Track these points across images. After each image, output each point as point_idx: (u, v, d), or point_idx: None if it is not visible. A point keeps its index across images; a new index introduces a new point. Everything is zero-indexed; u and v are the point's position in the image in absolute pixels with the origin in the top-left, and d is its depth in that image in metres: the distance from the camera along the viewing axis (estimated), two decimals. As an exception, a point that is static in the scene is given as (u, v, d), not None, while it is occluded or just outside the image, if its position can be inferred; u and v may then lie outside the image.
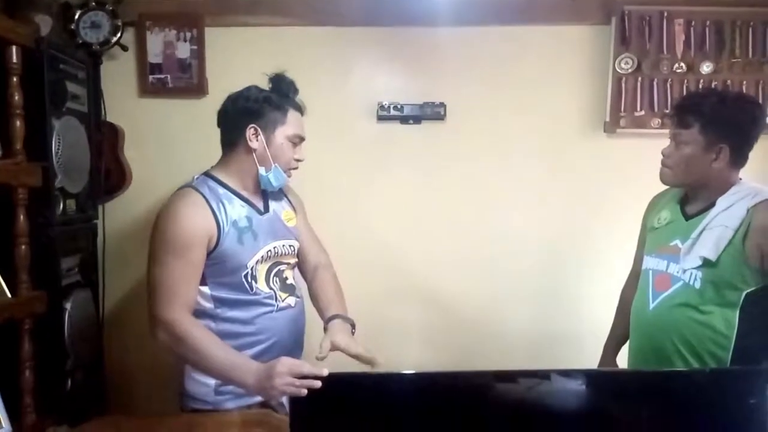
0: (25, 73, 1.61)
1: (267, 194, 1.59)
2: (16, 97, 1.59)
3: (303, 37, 2.15)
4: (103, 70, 2.10)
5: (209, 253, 1.43)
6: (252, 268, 1.48)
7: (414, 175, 2.21)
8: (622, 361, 1.76)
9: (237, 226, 1.47)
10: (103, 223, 2.10)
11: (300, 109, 1.55)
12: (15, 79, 1.59)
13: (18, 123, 1.59)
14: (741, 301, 1.45)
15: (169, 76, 2.14)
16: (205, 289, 1.46)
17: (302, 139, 1.55)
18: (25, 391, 1.62)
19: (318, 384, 1.17)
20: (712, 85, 2.11)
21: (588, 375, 1.24)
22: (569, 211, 2.22)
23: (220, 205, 1.46)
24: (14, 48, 1.58)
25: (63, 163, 1.76)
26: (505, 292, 2.23)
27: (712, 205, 1.50)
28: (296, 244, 1.62)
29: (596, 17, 2.16)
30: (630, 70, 2.13)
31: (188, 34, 2.13)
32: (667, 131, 1.60)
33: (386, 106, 2.16)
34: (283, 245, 1.57)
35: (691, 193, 1.58)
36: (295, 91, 1.54)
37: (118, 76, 2.13)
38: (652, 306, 1.56)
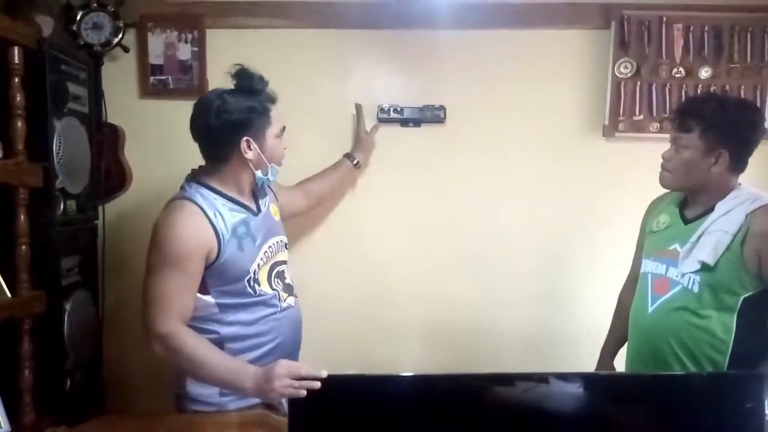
0: (27, 73, 1.62)
1: (256, 193, 1.59)
2: (18, 98, 1.60)
3: (303, 39, 2.15)
4: (105, 71, 2.10)
5: (210, 264, 1.42)
6: (254, 272, 1.49)
7: (413, 177, 2.22)
8: (620, 364, 1.77)
9: (236, 234, 1.47)
10: (104, 223, 2.10)
11: (274, 100, 1.51)
12: (17, 79, 1.59)
13: (19, 123, 1.60)
14: (739, 305, 1.46)
15: (170, 77, 2.15)
16: (209, 298, 1.46)
17: (284, 128, 1.55)
18: (24, 391, 1.62)
19: (317, 385, 1.17)
20: (711, 90, 2.12)
21: (586, 378, 1.25)
22: (568, 214, 2.23)
23: (217, 214, 1.45)
24: (16, 49, 1.59)
25: (64, 163, 1.76)
26: (503, 294, 2.24)
27: (711, 209, 1.51)
28: (284, 238, 1.64)
29: (595, 21, 2.17)
30: (629, 75, 2.14)
31: (189, 36, 2.13)
32: (665, 135, 1.61)
33: (386, 109, 2.17)
34: (277, 242, 1.59)
35: (690, 198, 1.59)
36: (265, 83, 1.49)
37: (119, 77, 2.14)
38: (650, 310, 1.56)
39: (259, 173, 1.50)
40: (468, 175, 2.22)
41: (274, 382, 1.22)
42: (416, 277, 2.22)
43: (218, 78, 2.11)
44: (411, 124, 2.19)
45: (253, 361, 1.43)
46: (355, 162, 2.05)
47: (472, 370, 1.27)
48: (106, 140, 2.08)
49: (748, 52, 2.13)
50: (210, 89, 2.11)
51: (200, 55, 2.14)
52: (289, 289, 1.59)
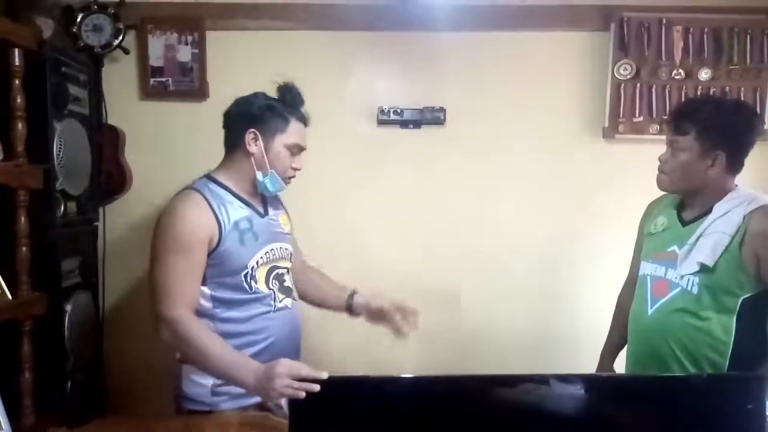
0: (28, 75, 1.62)
1: (266, 198, 1.61)
2: (18, 100, 1.60)
3: (303, 41, 2.16)
4: (105, 72, 2.11)
5: (210, 253, 1.45)
6: (252, 269, 1.50)
7: (414, 178, 2.22)
8: (620, 367, 1.77)
9: (238, 227, 1.49)
10: (104, 225, 2.11)
11: (304, 120, 1.56)
12: (17, 81, 1.60)
13: (20, 125, 1.60)
14: (738, 307, 1.46)
15: (170, 79, 2.15)
16: (205, 289, 1.47)
17: (302, 149, 1.56)
18: (25, 393, 1.62)
19: (316, 387, 1.17)
20: (710, 92, 2.12)
21: (586, 380, 1.25)
22: (568, 215, 2.23)
23: (221, 206, 1.48)
24: (16, 51, 1.59)
25: (64, 165, 1.77)
26: (503, 295, 2.24)
27: (709, 211, 1.51)
28: (291, 248, 1.65)
29: (595, 24, 2.17)
30: (629, 77, 2.14)
31: (189, 38, 2.14)
32: (665, 137, 1.61)
33: (386, 111, 2.17)
34: (281, 248, 1.59)
35: (687, 200, 1.59)
36: (301, 102, 1.56)
37: (119, 79, 2.14)
38: (650, 312, 1.57)
39: (259, 175, 1.51)
40: (468, 176, 2.22)
41: (275, 380, 1.22)
42: (416, 278, 2.22)
43: (218, 80, 2.14)
44: (411, 126, 2.19)
45: None
46: (352, 308, 1.71)
47: (471, 371, 1.28)
48: (106, 142, 2.08)
49: (747, 53, 2.13)
50: (210, 91, 2.15)
51: (200, 57, 2.14)
52: (286, 291, 1.59)
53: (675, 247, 1.55)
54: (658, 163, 1.57)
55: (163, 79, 2.15)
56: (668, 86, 2.15)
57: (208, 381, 1.47)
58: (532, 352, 2.19)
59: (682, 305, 1.51)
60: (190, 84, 2.15)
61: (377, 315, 1.66)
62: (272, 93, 1.55)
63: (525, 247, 2.24)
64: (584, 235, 2.23)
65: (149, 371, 2.11)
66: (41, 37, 1.77)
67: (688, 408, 1.21)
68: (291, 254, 1.64)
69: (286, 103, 1.53)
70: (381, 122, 2.19)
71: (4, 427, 1.45)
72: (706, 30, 2.13)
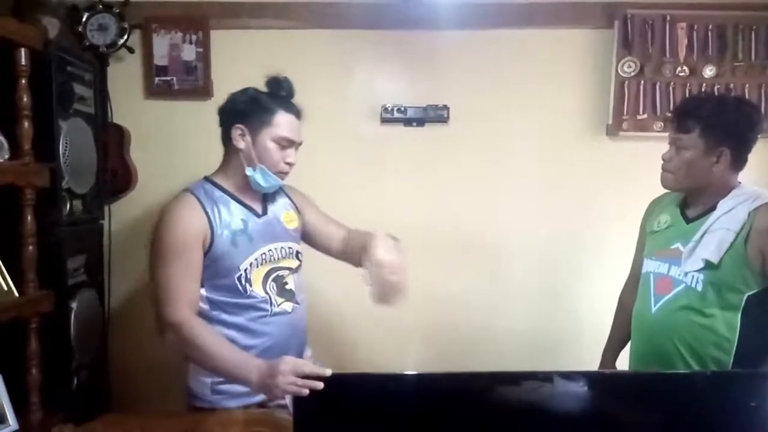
0: (33, 75, 1.63)
1: (266, 197, 1.59)
2: (25, 99, 1.61)
3: (307, 40, 2.17)
4: (110, 72, 2.12)
5: (205, 255, 1.45)
6: (246, 271, 1.49)
7: (417, 176, 2.23)
8: (623, 365, 1.77)
9: (231, 229, 1.48)
10: (109, 223, 2.12)
11: (294, 112, 1.52)
12: (23, 81, 1.61)
13: (26, 124, 1.61)
14: (743, 304, 1.46)
15: (174, 78, 2.16)
16: (202, 291, 1.47)
17: (291, 142, 1.52)
18: (31, 389, 1.64)
19: (320, 385, 1.18)
20: (715, 89, 2.11)
21: (590, 377, 1.25)
22: (571, 213, 2.23)
23: (215, 208, 1.47)
24: (23, 50, 1.60)
25: (70, 164, 1.78)
26: (506, 293, 2.25)
27: (713, 208, 1.51)
28: (295, 246, 1.61)
29: (599, 21, 2.17)
30: (633, 74, 2.14)
31: (194, 37, 2.15)
32: (668, 135, 1.60)
33: (390, 109, 2.18)
34: (281, 248, 1.57)
35: (690, 197, 1.59)
36: (290, 93, 1.53)
37: (124, 78, 2.16)
38: (653, 309, 1.56)
39: (248, 170, 1.50)
40: (471, 174, 2.22)
41: (278, 378, 1.22)
42: (418, 276, 2.21)
43: (223, 78, 2.15)
44: (414, 124, 2.20)
45: None
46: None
47: (473, 369, 1.28)
48: (111, 141, 2.09)
49: (752, 50, 2.13)
50: (214, 90, 2.15)
51: (205, 56, 2.15)
52: (286, 294, 1.57)
53: (679, 245, 1.55)
54: (661, 161, 1.57)
55: (168, 78, 2.16)
56: (672, 83, 2.14)
57: (208, 378, 1.48)
58: (534, 352, 2.20)
59: (686, 302, 1.50)
60: (194, 83, 2.16)
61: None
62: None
63: (528, 243, 2.24)
64: (587, 232, 2.23)
65: (154, 368, 2.13)
66: (47, 36, 1.78)
67: (691, 405, 1.22)
68: (297, 252, 1.62)
69: (274, 95, 1.51)
70: (384, 120, 2.19)
71: (12, 423, 1.47)
72: (710, 27, 2.12)
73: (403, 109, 2.18)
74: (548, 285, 2.24)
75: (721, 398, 1.22)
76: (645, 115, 2.15)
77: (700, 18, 2.13)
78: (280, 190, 1.63)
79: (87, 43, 2.05)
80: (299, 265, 1.63)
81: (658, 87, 2.15)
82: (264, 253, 1.53)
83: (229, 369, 1.36)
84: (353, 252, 1.59)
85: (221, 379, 1.46)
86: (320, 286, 2.03)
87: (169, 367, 2.18)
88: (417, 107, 2.18)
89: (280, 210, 1.61)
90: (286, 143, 1.51)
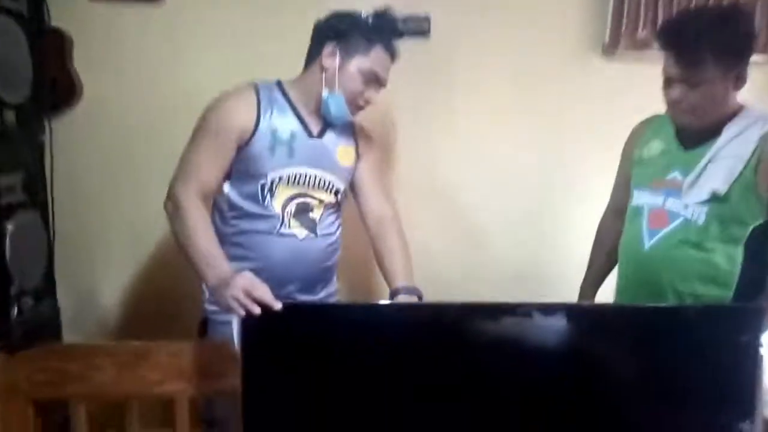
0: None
1: (328, 125, 1.49)
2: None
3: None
4: (45, -35, 1.86)
5: (240, 149, 1.41)
6: (273, 183, 1.43)
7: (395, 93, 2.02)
8: (603, 298, 1.67)
9: (275, 134, 1.42)
10: (51, 139, 1.91)
11: (391, 53, 1.47)
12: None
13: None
14: (747, 236, 1.34)
15: (122, -24, 1.91)
16: (227, 189, 1.45)
17: (378, 80, 1.46)
18: (-38, 318, 1.50)
19: (257, 310, 1.08)
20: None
21: (573, 309, 1.14)
22: (561, 139, 2.07)
23: (270, 108, 1.43)
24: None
25: (-3, 68, 1.56)
26: (490, 227, 2.10)
27: (715, 133, 1.36)
28: (337, 183, 1.51)
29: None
30: (633, -15, 1.93)
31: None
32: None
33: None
34: (320, 177, 1.48)
35: None
36: (393, 31, 1.47)
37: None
38: (648, 245, 1.43)
39: (325, 91, 1.43)
40: (452, 94, 2.04)
41: (229, 289, 1.13)
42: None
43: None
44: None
45: None
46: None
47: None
48: (50, 46, 1.86)
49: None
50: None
51: (155, -49, 1.89)
52: (305, 221, 1.48)
53: (677, 174, 1.41)
54: (660, 79, 1.39)
55: (114, -24, 1.91)
56: (676, -4, 1.93)
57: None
58: (521, 284, 2.03)
59: (684, 236, 1.38)
60: (144, -18, 1.91)
61: None
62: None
63: (514, 172, 2.08)
64: (579, 159, 2.06)
65: (103, 294, 2.01)
66: None
67: (679, 340, 1.11)
68: (338, 190, 1.52)
69: (380, 30, 1.44)
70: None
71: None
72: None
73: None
74: (534, 211, 2.10)
75: (710, 333, 1.13)
76: (645, 32, 1.96)
77: None
78: (351, 124, 1.54)
79: (16, -70, 1.78)
80: (335, 204, 1.54)
81: (660, 1, 1.94)
82: (300, 175, 1.45)
83: (197, 259, 1.29)
84: (380, 265, 1.50)
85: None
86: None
87: (121, 291, 2.06)
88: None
89: (338, 141, 1.52)
90: (373, 79, 1.46)
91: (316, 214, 1.50)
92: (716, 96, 1.33)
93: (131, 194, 2.03)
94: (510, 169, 2.09)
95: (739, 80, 1.34)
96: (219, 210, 1.49)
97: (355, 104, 1.46)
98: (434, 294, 2.01)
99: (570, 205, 2.11)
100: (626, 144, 1.58)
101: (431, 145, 2.08)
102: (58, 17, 1.90)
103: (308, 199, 1.48)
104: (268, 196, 1.44)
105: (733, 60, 1.30)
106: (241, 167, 1.43)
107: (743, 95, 1.38)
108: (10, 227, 1.63)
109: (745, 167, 1.31)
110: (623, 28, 1.96)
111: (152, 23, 1.92)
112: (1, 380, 1.30)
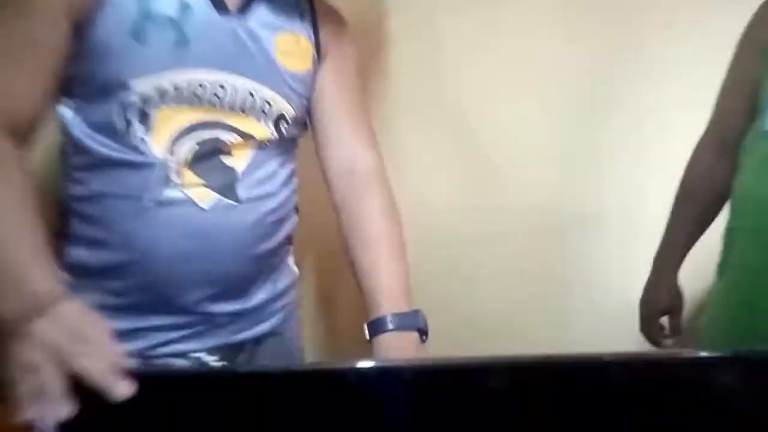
0: None
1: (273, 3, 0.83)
2: None
3: None
4: None
5: (78, 34, 0.74)
6: (145, 100, 0.76)
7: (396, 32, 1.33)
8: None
9: (144, 6, 0.75)
10: None
11: None
12: None
13: None
14: None
15: None
16: (66, 110, 0.79)
17: None
18: None
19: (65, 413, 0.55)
20: None
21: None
22: (603, 64, 1.35)
23: None
24: None
25: None
26: (516, 174, 1.45)
27: None
28: (279, 101, 0.85)
29: None
30: None
31: None
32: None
33: None
34: (242, 90, 0.81)
35: None
36: None
37: None
38: None
39: None
40: (467, 31, 1.35)
41: (32, 337, 0.58)
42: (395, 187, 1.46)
43: None
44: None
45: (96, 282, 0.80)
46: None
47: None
48: None
49: None
50: None
51: None
52: (214, 173, 0.81)
53: None
54: None
55: None
56: None
57: None
58: (551, 237, 1.47)
59: None
60: None
61: None
62: None
63: (549, 89, 1.39)
64: (625, 75, 1.35)
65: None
66: None
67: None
68: (280, 116, 0.86)
69: None
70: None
71: None
72: None
73: None
74: (568, 144, 1.44)
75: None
76: None
77: None
78: None
79: None
80: (276, 142, 0.87)
81: None
82: (201, 85, 0.79)
83: None
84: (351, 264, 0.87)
85: None
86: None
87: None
88: None
89: (278, 25, 0.85)
90: None
91: (236, 162, 0.84)
92: None
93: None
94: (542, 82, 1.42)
95: None
96: (63, 158, 0.83)
97: None
98: (432, 259, 1.43)
99: (608, 126, 1.48)
100: (748, 31, 0.99)
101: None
102: None
103: (220, 133, 0.82)
104: (139, 128, 0.78)
105: None
106: (84, 71, 0.76)
107: None
108: None
109: None
110: None
111: None
112: None
